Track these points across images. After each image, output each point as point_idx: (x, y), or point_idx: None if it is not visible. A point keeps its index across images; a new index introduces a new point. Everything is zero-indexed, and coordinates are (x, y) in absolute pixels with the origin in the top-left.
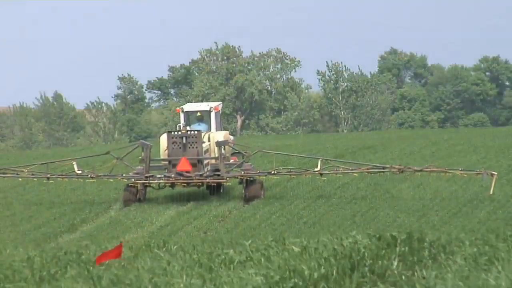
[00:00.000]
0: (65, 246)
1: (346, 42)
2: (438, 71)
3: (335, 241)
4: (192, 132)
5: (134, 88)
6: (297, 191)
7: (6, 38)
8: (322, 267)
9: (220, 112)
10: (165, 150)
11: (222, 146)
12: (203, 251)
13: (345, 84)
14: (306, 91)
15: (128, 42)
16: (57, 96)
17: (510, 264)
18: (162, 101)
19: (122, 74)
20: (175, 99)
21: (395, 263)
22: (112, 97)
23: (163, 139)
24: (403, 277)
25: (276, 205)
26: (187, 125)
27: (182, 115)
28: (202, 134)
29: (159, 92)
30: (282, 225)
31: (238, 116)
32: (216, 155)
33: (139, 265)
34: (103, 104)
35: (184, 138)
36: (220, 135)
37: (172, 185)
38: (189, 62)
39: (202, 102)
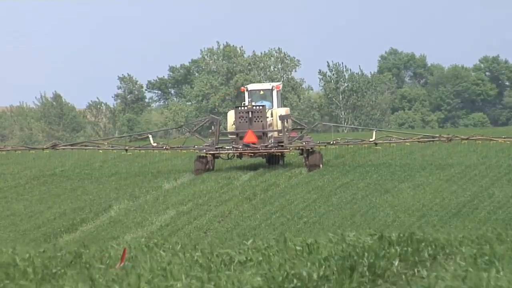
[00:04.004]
0: (65, 246)
1: (346, 42)
2: (438, 71)
3: (335, 241)
4: (257, 107)
5: (134, 88)
6: (297, 191)
7: (5, 38)
8: (322, 267)
9: (281, 91)
10: (232, 125)
11: (285, 120)
12: (203, 251)
13: (346, 84)
14: (307, 91)
15: (128, 42)
16: (57, 96)
17: (510, 264)
18: (162, 101)
19: (122, 74)
20: (175, 99)
21: (395, 263)
22: (112, 97)
23: (231, 114)
24: (403, 277)
25: (276, 205)
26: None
27: (246, 94)
28: (266, 110)
29: (159, 92)
30: (282, 225)
31: None
32: (279, 129)
33: (139, 265)
34: (103, 104)
35: (250, 113)
36: (282, 111)
37: (240, 155)
38: (189, 62)
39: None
